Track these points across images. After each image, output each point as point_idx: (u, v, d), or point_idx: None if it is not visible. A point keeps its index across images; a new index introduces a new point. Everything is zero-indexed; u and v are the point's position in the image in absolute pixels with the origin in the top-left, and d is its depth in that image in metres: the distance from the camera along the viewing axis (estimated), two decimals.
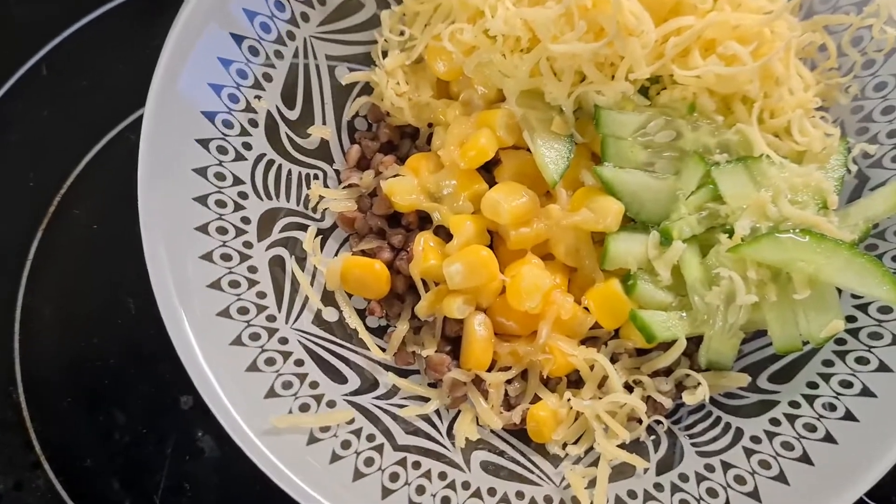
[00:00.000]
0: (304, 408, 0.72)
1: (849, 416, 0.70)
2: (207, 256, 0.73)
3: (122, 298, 0.89)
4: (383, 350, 0.80)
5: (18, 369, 0.87)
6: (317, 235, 0.81)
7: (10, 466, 0.85)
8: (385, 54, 0.84)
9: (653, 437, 0.76)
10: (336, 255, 0.83)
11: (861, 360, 0.72)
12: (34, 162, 0.93)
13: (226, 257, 0.74)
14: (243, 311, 0.73)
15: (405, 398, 0.78)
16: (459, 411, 0.78)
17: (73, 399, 0.87)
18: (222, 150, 0.76)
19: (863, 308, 0.75)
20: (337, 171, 0.85)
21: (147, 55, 0.92)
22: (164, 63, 0.72)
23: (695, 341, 0.76)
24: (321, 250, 0.82)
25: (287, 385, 0.72)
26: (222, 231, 0.75)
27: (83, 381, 0.87)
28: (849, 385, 0.72)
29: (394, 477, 0.70)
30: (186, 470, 0.85)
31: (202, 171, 0.74)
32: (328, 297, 0.80)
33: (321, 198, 0.83)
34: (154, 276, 0.69)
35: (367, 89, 0.87)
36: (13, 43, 0.96)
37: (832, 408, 0.71)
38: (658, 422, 0.76)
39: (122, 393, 0.87)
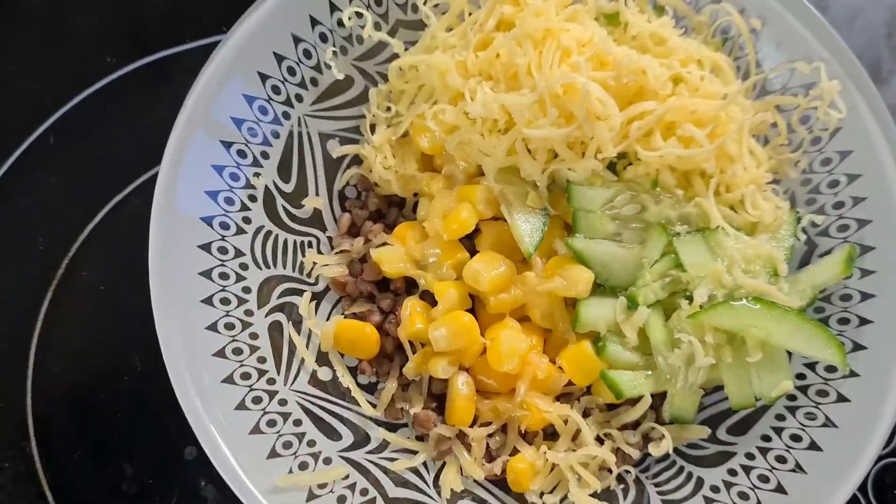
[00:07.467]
0: (303, 466, 0.78)
1: (798, 468, 0.77)
2: (213, 327, 0.79)
3: (128, 356, 0.94)
4: (374, 406, 0.86)
5: (31, 424, 0.93)
6: (311, 300, 0.88)
7: None
8: (373, 129, 0.90)
9: (622, 485, 0.83)
10: (329, 316, 0.90)
11: (809, 416, 0.80)
12: (43, 226, 0.98)
13: (229, 326, 0.80)
14: (246, 376, 0.79)
15: (394, 451, 0.85)
16: (444, 463, 0.84)
17: (84, 452, 0.92)
18: (224, 226, 0.82)
19: (811, 366, 0.82)
20: (329, 238, 0.92)
21: (150, 123, 1.00)
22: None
23: (660, 396, 0.83)
24: (315, 312, 0.88)
25: (287, 445, 0.78)
26: (225, 302, 0.81)
27: (92, 435, 0.93)
28: (798, 439, 0.79)
29: None
30: None
31: (206, 247, 0.80)
32: (322, 358, 0.87)
33: (315, 263, 0.89)
34: (165, 349, 0.75)
35: (357, 160, 0.93)
36: (22, 113, 1.01)
37: (783, 460, 0.78)
38: (627, 471, 0.83)
39: (130, 445, 0.93)
